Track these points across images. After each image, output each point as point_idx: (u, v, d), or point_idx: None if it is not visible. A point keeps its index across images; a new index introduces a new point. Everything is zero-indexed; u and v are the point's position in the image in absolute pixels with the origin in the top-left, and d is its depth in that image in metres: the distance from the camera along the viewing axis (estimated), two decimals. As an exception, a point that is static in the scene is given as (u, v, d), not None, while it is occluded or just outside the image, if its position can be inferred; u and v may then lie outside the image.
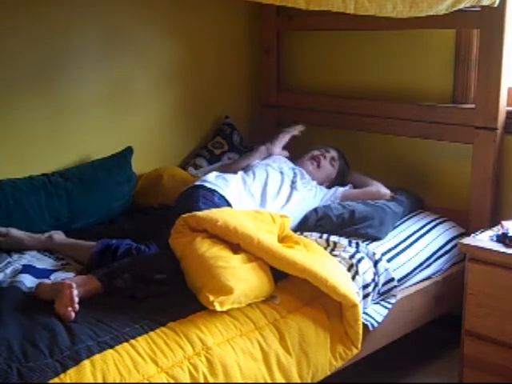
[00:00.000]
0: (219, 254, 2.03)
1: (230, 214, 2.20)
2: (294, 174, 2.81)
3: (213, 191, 2.51)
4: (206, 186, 2.53)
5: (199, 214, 2.14)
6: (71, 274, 2.19)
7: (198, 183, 2.58)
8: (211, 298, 1.90)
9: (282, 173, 2.77)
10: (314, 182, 2.84)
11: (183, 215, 2.15)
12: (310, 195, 2.74)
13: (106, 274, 2.03)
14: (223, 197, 2.50)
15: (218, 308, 1.89)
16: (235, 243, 2.10)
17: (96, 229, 2.62)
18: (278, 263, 2.07)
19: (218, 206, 2.38)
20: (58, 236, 2.45)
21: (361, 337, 2.12)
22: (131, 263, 2.09)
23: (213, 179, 2.60)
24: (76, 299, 1.86)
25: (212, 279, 1.94)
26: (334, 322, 2.12)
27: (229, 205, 2.48)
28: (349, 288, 2.10)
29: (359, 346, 2.13)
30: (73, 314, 1.83)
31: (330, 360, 2.08)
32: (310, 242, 2.28)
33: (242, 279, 1.97)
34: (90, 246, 2.30)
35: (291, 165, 2.91)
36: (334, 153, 2.98)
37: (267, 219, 2.27)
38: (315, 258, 2.15)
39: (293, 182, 2.74)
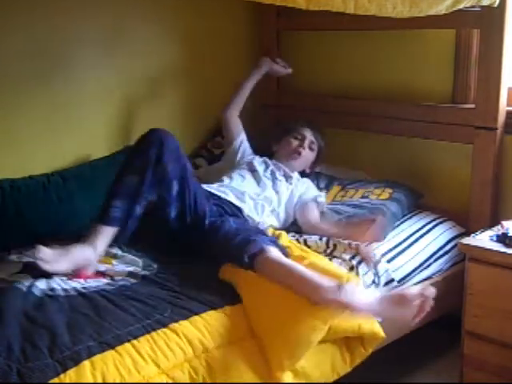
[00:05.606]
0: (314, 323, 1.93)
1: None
2: (272, 173, 2.77)
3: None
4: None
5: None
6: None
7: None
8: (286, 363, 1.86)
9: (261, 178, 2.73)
10: (295, 174, 2.82)
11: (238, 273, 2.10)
12: (293, 193, 2.72)
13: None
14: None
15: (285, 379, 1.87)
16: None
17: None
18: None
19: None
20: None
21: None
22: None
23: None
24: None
25: (292, 345, 1.88)
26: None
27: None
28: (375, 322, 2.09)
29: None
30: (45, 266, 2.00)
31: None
32: (312, 254, 2.26)
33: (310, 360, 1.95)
34: None
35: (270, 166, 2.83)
36: (309, 135, 2.89)
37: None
38: None
39: (276, 191, 2.70)
